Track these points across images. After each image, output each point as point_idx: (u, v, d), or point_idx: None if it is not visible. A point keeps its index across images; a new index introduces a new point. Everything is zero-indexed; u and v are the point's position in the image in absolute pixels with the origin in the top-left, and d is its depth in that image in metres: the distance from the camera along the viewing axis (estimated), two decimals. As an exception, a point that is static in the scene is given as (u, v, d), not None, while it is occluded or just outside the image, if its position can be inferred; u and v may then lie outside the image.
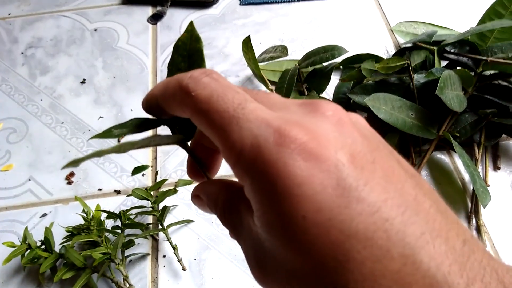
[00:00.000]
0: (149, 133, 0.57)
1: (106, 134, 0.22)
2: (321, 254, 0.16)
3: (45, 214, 0.53)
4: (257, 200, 0.17)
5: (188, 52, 0.24)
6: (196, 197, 0.24)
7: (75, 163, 0.17)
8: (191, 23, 0.24)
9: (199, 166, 0.24)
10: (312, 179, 0.16)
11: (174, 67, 0.24)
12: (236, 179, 0.20)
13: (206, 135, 0.19)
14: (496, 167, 0.55)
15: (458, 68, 0.57)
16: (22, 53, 0.71)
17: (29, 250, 0.46)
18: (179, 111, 0.20)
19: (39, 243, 0.47)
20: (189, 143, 0.25)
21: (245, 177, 0.18)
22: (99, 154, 0.18)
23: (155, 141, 0.22)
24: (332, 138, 0.17)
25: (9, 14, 0.77)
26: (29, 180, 0.56)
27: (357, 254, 0.15)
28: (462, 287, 0.15)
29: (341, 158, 0.16)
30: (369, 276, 0.15)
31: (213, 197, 0.22)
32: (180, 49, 0.24)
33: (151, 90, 0.22)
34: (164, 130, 0.24)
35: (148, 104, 0.23)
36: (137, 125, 0.24)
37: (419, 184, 0.17)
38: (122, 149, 0.19)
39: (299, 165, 0.16)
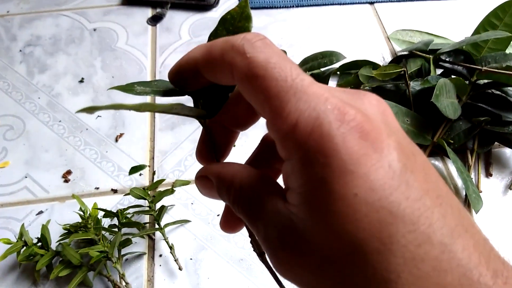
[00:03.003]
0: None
1: (128, 88, 0.21)
2: (367, 234, 0.16)
3: (41, 212, 0.53)
4: (304, 175, 0.17)
5: (235, 29, 0.22)
6: (203, 178, 0.22)
7: (92, 109, 0.17)
8: (246, 0, 0.22)
9: (212, 147, 0.23)
10: (367, 158, 0.16)
11: (214, 39, 0.22)
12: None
13: (252, 103, 0.19)
14: (488, 174, 0.56)
15: (453, 76, 0.58)
16: (20, 50, 0.71)
17: (25, 247, 0.46)
18: (225, 75, 0.19)
19: (35, 241, 0.47)
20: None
21: (295, 150, 0.17)
22: (117, 107, 0.18)
23: (176, 110, 0.21)
24: (382, 124, 0.17)
25: (7, 12, 0.77)
26: (26, 177, 0.56)
27: (401, 237, 0.15)
28: (488, 278, 0.16)
29: (392, 143, 0.17)
30: (410, 260, 0.15)
31: (227, 180, 0.21)
32: (227, 23, 0.22)
33: (186, 55, 0.21)
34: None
35: (181, 69, 0.21)
36: (162, 88, 0.22)
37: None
38: (142, 108, 0.18)
39: (357, 143, 0.16)
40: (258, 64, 0.18)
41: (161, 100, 0.62)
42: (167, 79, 0.22)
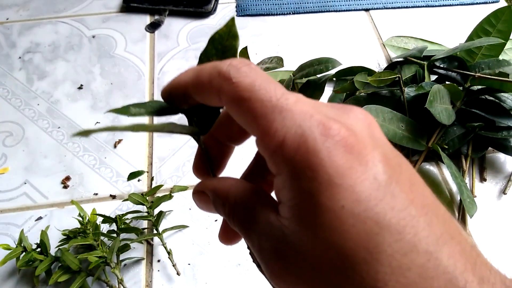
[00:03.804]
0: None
1: (124, 110, 0.22)
2: (354, 245, 0.16)
3: (40, 218, 0.53)
4: (293, 189, 0.17)
5: (223, 48, 0.23)
6: (200, 193, 0.23)
7: (87, 133, 0.18)
8: (232, 19, 0.23)
9: (208, 162, 0.24)
10: (352, 171, 0.17)
11: (205, 59, 0.24)
12: None
13: (240, 123, 0.20)
14: (482, 179, 0.57)
15: (447, 82, 0.59)
16: (19, 57, 0.71)
17: (24, 253, 0.47)
18: (213, 99, 0.20)
19: (34, 246, 0.48)
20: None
21: (283, 166, 0.18)
22: (111, 129, 0.19)
23: (169, 128, 0.21)
24: (367, 137, 0.18)
25: (7, 19, 0.77)
26: (25, 183, 0.57)
27: (388, 247, 0.16)
28: (475, 284, 0.16)
29: (377, 156, 0.17)
30: (396, 269, 0.16)
31: (222, 194, 0.22)
32: (216, 42, 0.23)
33: (177, 77, 0.22)
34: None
35: (172, 91, 0.22)
36: (156, 109, 0.23)
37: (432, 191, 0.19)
38: (135, 128, 0.19)
39: (342, 156, 0.17)
40: (244, 87, 0.19)
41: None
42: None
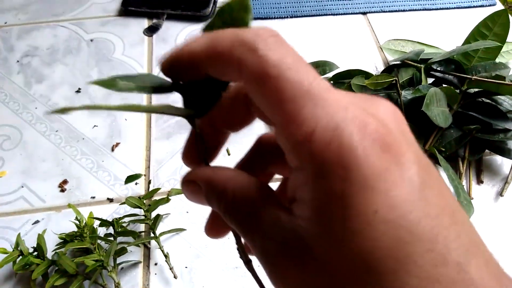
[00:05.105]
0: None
1: (110, 83, 0.19)
2: (383, 254, 0.15)
3: (37, 221, 0.53)
4: (319, 187, 0.16)
5: (232, 20, 0.20)
6: (191, 183, 0.20)
7: (65, 110, 0.15)
8: None
9: (201, 149, 0.22)
10: (388, 172, 0.15)
11: (211, 30, 0.20)
12: None
13: (260, 105, 0.17)
14: (479, 181, 0.57)
15: (444, 85, 0.59)
16: (18, 61, 0.72)
17: (21, 257, 0.47)
18: (231, 72, 0.17)
19: (31, 250, 0.48)
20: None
21: (309, 160, 0.16)
22: (94, 107, 0.16)
23: (163, 109, 0.19)
24: (400, 135, 0.16)
25: (5, 23, 0.78)
26: (22, 187, 0.57)
27: (419, 257, 0.15)
28: None
29: (411, 157, 0.16)
30: (425, 281, 0.15)
31: (218, 187, 0.19)
32: (224, 14, 0.20)
33: (185, 46, 0.19)
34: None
35: (178, 60, 0.19)
36: (148, 84, 0.20)
37: None
38: (126, 108, 0.17)
39: (379, 156, 0.15)
40: (272, 63, 0.16)
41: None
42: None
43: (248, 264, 0.22)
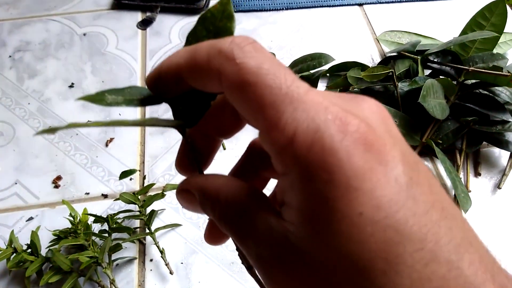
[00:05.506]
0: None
1: (98, 98, 0.18)
2: (372, 256, 0.15)
3: (31, 218, 0.53)
4: (304, 191, 0.16)
5: (215, 29, 0.20)
6: (185, 192, 0.21)
7: (52, 130, 0.15)
8: None
9: (193, 158, 0.22)
10: (372, 172, 0.15)
11: (194, 40, 0.20)
12: None
13: (242, 112, 0.17)
14: (477, 173, 0.56)
15: (440, 77, 0.58)
16: (10, 56, 0.71)
17: (15, 254, 0.46)
18: (212, 82, 0.17)
19: (25, 247, 0.47)
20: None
21: (293, 165, 0.16)
22: (82, 125, 0.16)
23: (151, 122, 0.19)
24: (385, 133, 0.16)
25: (-3, 17, 0.77)
26: (16, 183, 0.56)
27: (408, 257, 0.15)
28: None
29: (396, 155, 0.16)
30: (417, 281, 0.15)
31: (212, 194, 0.19)
32: (207, 22, 0.20)
33: (166, 60, 0.19)
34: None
35: (161, 75, 0.19)
36: (136, 97, 0.20)
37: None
38: (111, 124, 0.17)
39: (362, 156, 0.15)
40: (249, 70, 0.16)
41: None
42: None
43: (250, 269, 0.21)
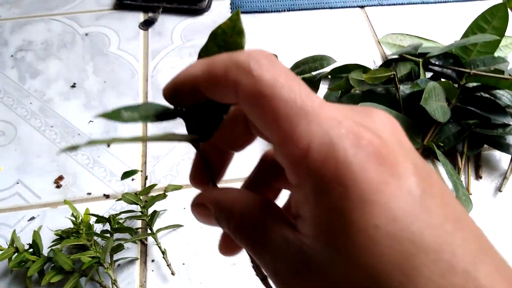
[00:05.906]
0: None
1: (115, 115, 0.19)
2: (389, 268, 0.15)
3: (33, 218, 0.53)
4: (319, 205, 0.16)
5: (226, 45, 0.21)
6: (200, 206, 0.21)
7: (74, 148, 0.16)
8: (237, 12, 0.20)
9: (207, 171, 0.22)
10: (386, 185, 0.15)
11: (206, 56, 0.20)
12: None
13: (257, 124, 0.17)
14: (478, 176, 0.56)
15: (442, 79, 0.59)
16: (12, 56, 0.71)
17: (16, 254, 0.46)
18: (228, 94, 0.18)
19: (27, 247, 0.47)
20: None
21: (307, 178, 0.16)
22: (105, 142, 0.17)
23: (168, 138, 0.20)
24: (397, 145, 0.17)
25: (-1, 17, 0.77)
26: (17, 183, 0.56)
27: (425, 268, 0.15)
28: None
29: (409, 167, 0.16)
30: None
31: (226, 208, 0.19)
32: (218, 38, 0.21)
33: (183, 72, 0.19)
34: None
35: (178, 87, 0.19)
36: (151, 113, 0.20)
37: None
38: (132, 141, 0.18)
39: (375, 169, 0.15)
40: (266, 83, 0.17)
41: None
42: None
43: (265, 280, 0.21)
